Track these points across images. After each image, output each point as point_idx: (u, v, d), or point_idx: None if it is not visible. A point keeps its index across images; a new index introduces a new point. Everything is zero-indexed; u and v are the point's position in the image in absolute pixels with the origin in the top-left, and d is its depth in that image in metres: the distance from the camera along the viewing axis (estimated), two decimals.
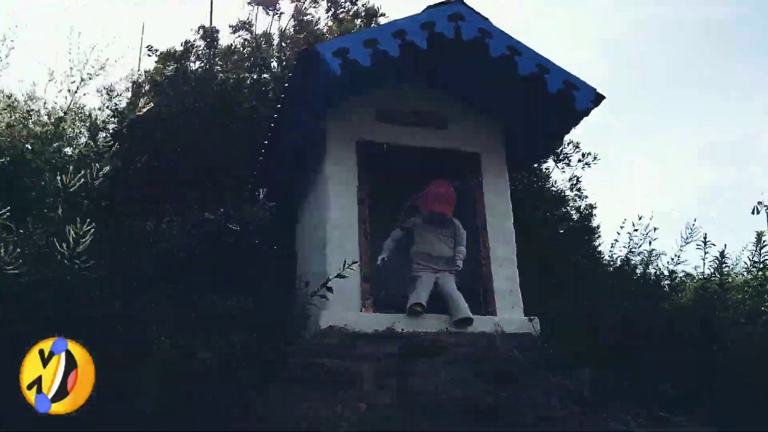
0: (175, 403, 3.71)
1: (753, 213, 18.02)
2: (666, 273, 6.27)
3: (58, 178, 3.89)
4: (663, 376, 4.80)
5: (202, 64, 9.09)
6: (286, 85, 5.06)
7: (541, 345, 5.02)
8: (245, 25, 9.58)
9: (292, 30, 9.54)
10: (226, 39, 9.67)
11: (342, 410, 4.30)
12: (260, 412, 4.18)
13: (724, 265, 5.81)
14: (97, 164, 4.31)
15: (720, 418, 4.39)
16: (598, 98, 5.19)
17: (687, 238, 5.87)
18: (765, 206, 17.58)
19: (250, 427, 4.06)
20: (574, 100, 5.07)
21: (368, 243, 5.17)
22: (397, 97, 5.69)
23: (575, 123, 5.38)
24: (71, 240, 3.48)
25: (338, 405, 4.32)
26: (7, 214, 3.53)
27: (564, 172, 9.00)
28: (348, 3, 9.62)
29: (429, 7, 5.02)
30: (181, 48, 9.32)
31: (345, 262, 4.49)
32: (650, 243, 6.61)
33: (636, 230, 6.87)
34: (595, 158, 9.02)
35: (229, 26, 9.62)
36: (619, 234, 6.79)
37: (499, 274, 5.38)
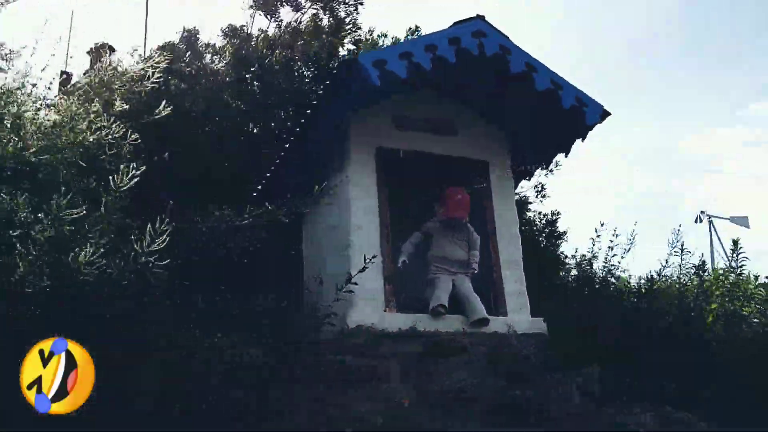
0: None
1: (696, 222, 18.97)
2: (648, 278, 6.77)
3: (110, 178, 3.91)
4: (660, 376, 5.21)
5: (191, 64, 9.05)
6: (321, 92, 5.20)
7: (550, 344, 5.37)
8: (235, 31, 9.59)
9: (281, 36, 9.60)
10: (218, 42, 9.64)
11: (374, 405, 4.52)
12: (297, 408, 4.35)
13: (704, 272, 6.33)
14: (133, 164, 4.30)
15: (719, 417, 4.80)
16: (604, 114, 5.57)
17: (674, 244, 6.36)
18: (708, 215, 18.58)
19: (288, 425, 4.21)
20: (585, 115, 5.43)
21: (389, 246, 5.39)
22: (412, 105, 5.91)
23: (581, 136, 5.73)
24: (147, 237, 3.54)
25: (371, 400, 4.54)
26: (84, 212, 3.55)
27: (528, 179, 9.48)
28: (351, 25, 9.77)
29: (454, 23, 5.27)
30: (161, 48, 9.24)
31: (365, 257, 4.63)
32: (611, 249, 7.16)
33: (599, 236, 7.39)
34: (557, 165, 9.57)
35: (221, 29, 9.58)
36: (591, 241, 7.30)
37: (508, 276, 5.70)
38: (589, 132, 5.68)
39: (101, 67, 5.03)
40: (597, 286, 7.31)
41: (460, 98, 6.17)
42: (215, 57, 9.47)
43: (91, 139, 4.59)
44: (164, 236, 3.54)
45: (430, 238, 5.73)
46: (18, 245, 3.54)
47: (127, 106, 4.98)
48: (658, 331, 5.71)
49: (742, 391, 5.10)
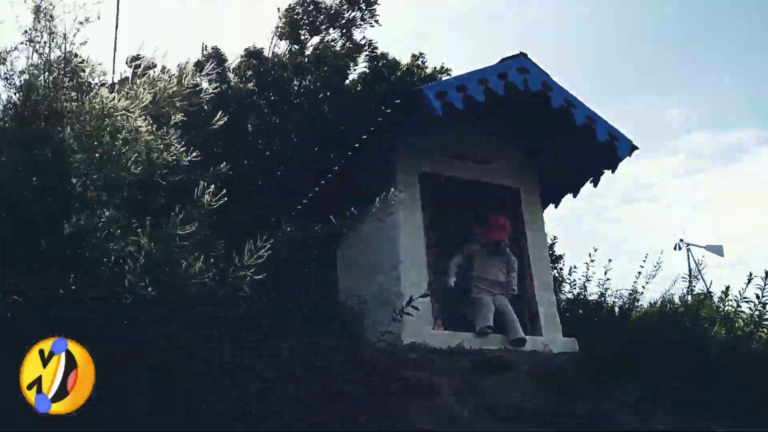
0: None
1: (675, 249, 19.67)
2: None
3: (205, 196, 4.11)
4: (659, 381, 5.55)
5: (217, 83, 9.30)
6: (380, 119, 5.50)
7: (583, 362, 5.70)
8: (257, 53, 9.92)
9: (300, 59, 9.94)
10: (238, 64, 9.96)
11: (432, 417, 4.77)
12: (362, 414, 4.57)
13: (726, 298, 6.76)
14: (213, 185, 4.48)
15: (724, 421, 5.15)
16: (633, 148, 5.99)
17: (700, 266, 6.82)
18: (686, 243, 19.29)
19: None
20: (617, 149, 5.84)
21: (434, 266, 5.68)
22: (452, 133, 6.24)
23: (611, 168, 6.14)
24: (247, 253, 3.74)
25: (429, 413, 4.79)
26: (195, 227, 3.74)
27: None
28: (367, 47, 10.13)
29: (501, 59, 5.65)
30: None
31: (428, 284, 4.97)
32: (605, 272, 7.57)
33: (593, 260, 7.79)
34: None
35: (244, 50, 9.90)
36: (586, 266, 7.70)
37: (543, 298, 6.03)
38: (619, 164, 6.09)
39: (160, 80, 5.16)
40: (592, 306, 7.67)
41: (498, 129, 6.52)
42: (237, 78, 9.75)
43: (159, 161, 4.76)
44: (264, 251, 3.74)
45: (470, 260, 6.04)
46: (120, 258, 3.72)
47: (185, 119, 5.13)
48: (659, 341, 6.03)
49: (742, 394, 5.43)
